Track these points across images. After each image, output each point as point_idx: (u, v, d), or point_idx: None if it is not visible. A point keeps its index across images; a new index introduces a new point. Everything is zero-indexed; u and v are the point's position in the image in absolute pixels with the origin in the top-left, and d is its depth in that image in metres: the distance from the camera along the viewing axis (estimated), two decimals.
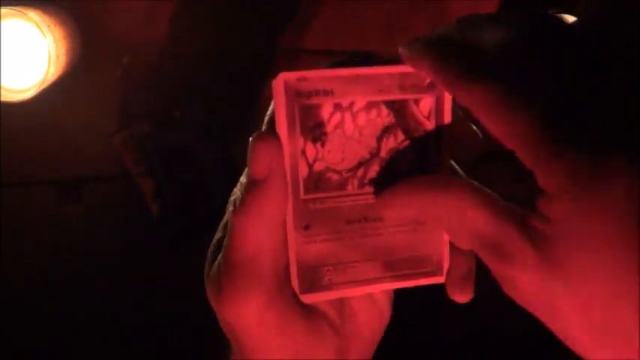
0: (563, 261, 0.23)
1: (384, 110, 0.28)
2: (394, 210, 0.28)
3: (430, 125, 0.28)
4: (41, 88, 0.60)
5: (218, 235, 0.30)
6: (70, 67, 0.66)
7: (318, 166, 0.28)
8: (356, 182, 0.28)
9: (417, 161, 0.29)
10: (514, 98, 0.23)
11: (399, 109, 0.28)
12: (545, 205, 0.23)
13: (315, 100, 0.27)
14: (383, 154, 0.28)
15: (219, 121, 0.73)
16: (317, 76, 0.27)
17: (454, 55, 0.26)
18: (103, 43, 0.69)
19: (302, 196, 0.28)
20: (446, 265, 0.30)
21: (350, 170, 0.28)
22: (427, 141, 0.29)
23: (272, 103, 0.29)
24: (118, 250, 0.73)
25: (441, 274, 0.30)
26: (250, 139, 0.27)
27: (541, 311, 0.24)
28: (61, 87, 0.65)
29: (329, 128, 0.27)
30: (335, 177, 0.28)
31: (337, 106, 0.27)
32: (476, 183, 0.26)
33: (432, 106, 0.28)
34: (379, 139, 0.28)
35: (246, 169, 0.28)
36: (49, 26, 0.60)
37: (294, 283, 0.28)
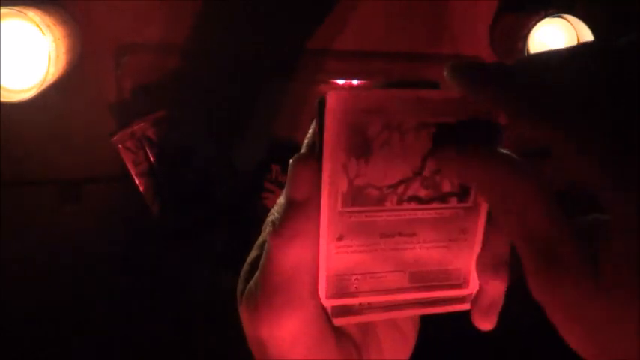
0: (618, 291, 0.22)
1: (434, 131, 0.27)
2: (446, 169, 0.27)
3: None
4: (41, 88, 0.60)
5: (253, 253, 0.30)
6: (70, 67, 0.66)
7: (358, 182, 0.27)
8: (395, 199, 0.28)
9: (458, 185, 0.28)
10: (588, 144, 0.22)
11: (449, 131, 0.27)
12: (616, 233, 0.22)
13: (364, 119, 0.26)
14: (426, 173, 0.28)
15: (219, 121, 0.73)
16: (368, 95, 0.26)
17: (524, 87, 0.24)
18: (103, 43, 0.69)
19: (339, 208, 0.27)
20: (472, 287, 0.30)
21: (390, 187, 0.28)
22: None
23: (313, 123, 0.28)
24: (118, 250, 0.73)
25: (467, 289, 0.30)
26: (291, 160, 0.27)
27: (562, 322, 0.24)
28: (61, 87, 0.65)
29: (375, 146, 0.27)
30: (374, 193, 0.28)
31: (386, 125, 0.27)
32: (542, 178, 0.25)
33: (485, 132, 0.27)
34: (424, 159, 0.28)
35: (285, 190, 0.28)
36: (49, 26, 0.60)
37: (321, 290, 0.28)
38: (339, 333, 0.30)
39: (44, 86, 0.60)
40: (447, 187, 0.28)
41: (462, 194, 0.29)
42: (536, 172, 0.25)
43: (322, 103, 0.26)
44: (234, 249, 0.71)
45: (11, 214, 0.70)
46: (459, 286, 0.30)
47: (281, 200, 0.28)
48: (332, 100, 0.26)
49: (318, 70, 0.74)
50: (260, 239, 0.30)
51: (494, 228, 0.29)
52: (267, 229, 0.30)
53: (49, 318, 0.73)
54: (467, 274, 0.30)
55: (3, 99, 0.60)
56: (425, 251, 0.29)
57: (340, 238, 0.28)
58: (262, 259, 0.28)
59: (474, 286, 0.30)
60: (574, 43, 0.72)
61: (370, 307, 0.29)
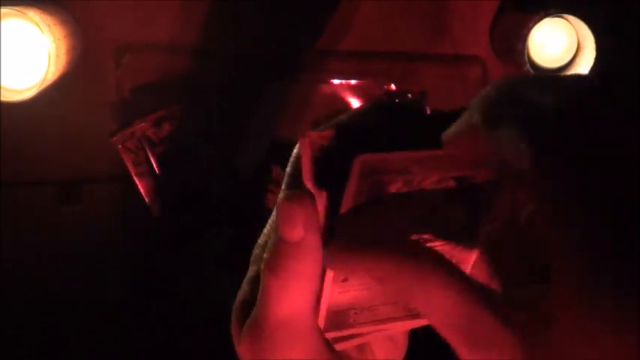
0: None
1: (450, 182, 0.27)
2: (358, 267, 0.27)
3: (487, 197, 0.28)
4: (41, 88, 0.60)
5: (246, 289, 0.30)
6: (70, 67, 0.66)
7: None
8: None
9: (464, 228, 0.29)
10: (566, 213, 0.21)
11: (464, 182, 0.27)
12: (553, 305, 0.21)
13: (387, 178, 0.26)
14: (438, 215, 0.28)
15: (220, 121, 0.73)
16: (397, 159, 0.26)
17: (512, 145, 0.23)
18: (103, 43, 0.69)
19: None
20: None
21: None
22: (479, 211, 0.28)
23: (291, 160, 0.28)
24: (118, 250, 0.73)
25: None
26: (281, 198, 0.26)
27: None
28: (61, 87, 0.65)
29: (389, 197, 0.27)
30: None
31: (407, 182, 0.26)
32: (451, 263, 0.25)
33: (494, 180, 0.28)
34: (435, 206, 0.28)
35: (277, 229, 0.27)
36: (49, 26, 0.60)
37: (321, 323, 0.28)
38: (338, 354, 0.30)
39: (44, 86, 0.60)
40: (452, 228, 0.29)
41: (466, 235, 0.29)
42: (440, 261, 0.24)
43: (349, 159, 0.25)
44: (235, 249, 0.71)
45: (11, 214, 0.70)
46: None
47: (270, 237, 0.28)
48: (359, 164, 0.25)
49: (318, 70, 0.74)
50: (250, 274, 0.30)
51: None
52: (256, 264, 0.29)
53: (49, 318, 0.73)
54: None
55: (3, 99, 0.60)
56: None
57: (345, 280, 0.28)
58: (261, 301, 0.27)
59: None
60: (574, 43, 0.72)
61: (362, 323, 0.30)
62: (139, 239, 0.73)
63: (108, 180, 0.73)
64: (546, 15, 0.68)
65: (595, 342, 0.20)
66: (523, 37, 0.68)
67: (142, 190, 0.71)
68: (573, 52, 0.72)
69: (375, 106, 0.29)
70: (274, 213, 0.29)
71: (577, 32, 0.71)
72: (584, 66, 0.70)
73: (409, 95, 0.73)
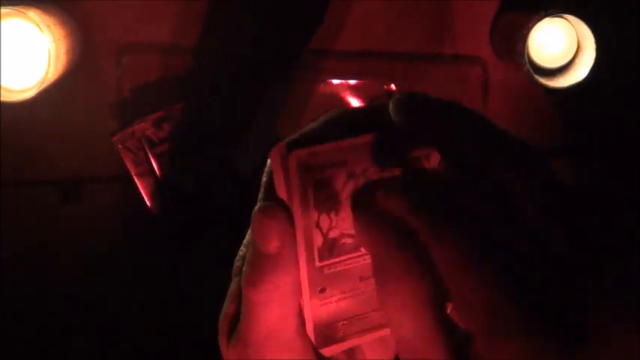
0: None
1: (396, 171, 0.27)
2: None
3: None
4: (41, 88, 0.60)
5: (228, 301, 0.30)
6: (70, 67, 0.66)
7: (332, 234, 0.27)
8: None
9: None
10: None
11: (410, 166, 0.27)
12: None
13: (328, 173, 0.26)
14: None
15: (220, 122, 0.73)
16: (328, 150, 0.26)
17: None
18: (103, 43, 0.69)
19: (317, 263, 0.27)
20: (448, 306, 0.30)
21: None
22: None
23: (266, 170, 0.28)
24: (118, 250, 0.73)
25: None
26: (255, 212, 0.27)
27: None
28: (61, 87, 0.65)
29: (343, 197, 0.27)
30: (349, 241, 0.28)
31: (351, 175, 0.26)
32: (430, 275, 0.24)
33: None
34: None
35: (253, 243, 0.27)
36: (49, 26, 0.60)
37: (311, 339, 0.28)
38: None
39: (44, 86, 0.60)
40: None
41: None
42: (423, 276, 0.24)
43: (284, 159, 0.26)
44: (235, 249, 0.71)
45: (11, 214, 0.70)
46: None
47: (248, 251, 0.28)
48: (293, 161, 0.25)
49: (318, 70, 0.74)
50: (233, 286, 0.30)
51: None
52: (238, 276, 0.29)
53: (49, 318, 0.73)
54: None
55: (3, 99, 0.60)
56: None
57: (322, 291, 0.28)
58: (245, 314, 0.28)
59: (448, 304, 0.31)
60: (574, 43, 0.72)
61: (353, 333, 0.29)
62: (139, 239, 0.73)
63: (108, 180, 0.73)
64: (546, 15, 0.68)
65: None
66: (523, 37, 0.68)
67: (142, 190, 0.71)
68: (573, 52, 0.72)
69: (342, 114, 0.29)
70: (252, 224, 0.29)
71: (577, 32, 0.71)
72: (584, 66, 0.70)
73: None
